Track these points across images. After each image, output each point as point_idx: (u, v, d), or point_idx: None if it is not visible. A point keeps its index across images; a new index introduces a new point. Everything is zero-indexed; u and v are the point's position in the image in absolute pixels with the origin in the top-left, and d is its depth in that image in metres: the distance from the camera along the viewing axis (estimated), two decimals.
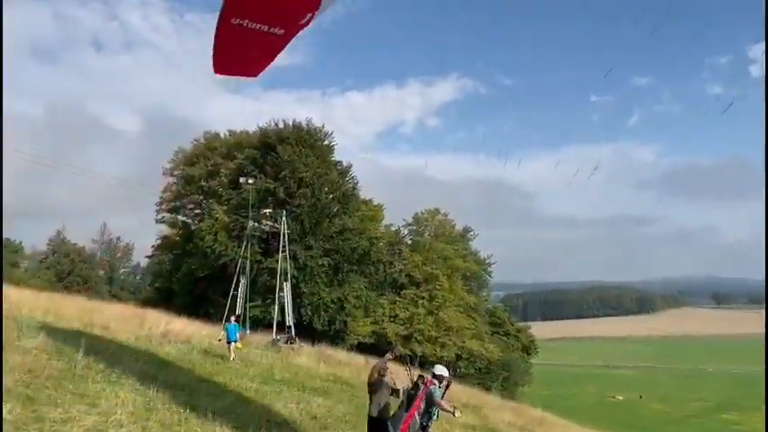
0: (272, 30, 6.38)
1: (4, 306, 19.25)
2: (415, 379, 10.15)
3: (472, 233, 76.44)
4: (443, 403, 9.81)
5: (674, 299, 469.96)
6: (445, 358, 62.31)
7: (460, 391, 35.47)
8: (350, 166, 57.40)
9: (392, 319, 60.85)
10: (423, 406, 9.78)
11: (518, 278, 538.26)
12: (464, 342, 63.98)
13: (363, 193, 59.99)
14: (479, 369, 66.09)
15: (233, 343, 23.88)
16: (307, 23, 6.48)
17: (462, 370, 64.83)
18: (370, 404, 11.03)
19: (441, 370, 10.14)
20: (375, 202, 62.25)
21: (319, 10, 6.35)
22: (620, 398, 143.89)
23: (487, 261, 77.59)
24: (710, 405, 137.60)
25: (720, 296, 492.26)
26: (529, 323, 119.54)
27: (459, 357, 64.46)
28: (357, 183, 57.60)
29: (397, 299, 62.63)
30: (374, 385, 10.97)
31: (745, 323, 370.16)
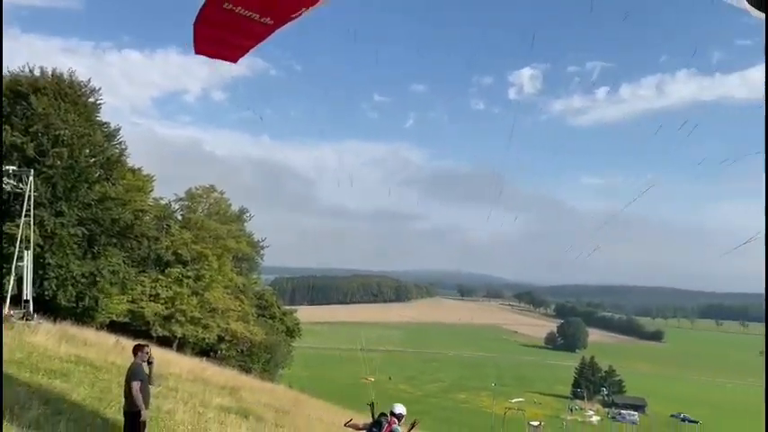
0: (262, 19, 6.56)
1: None
2: (377, 416, 10.36)
3: (248, 214, 75.43)
4: None
5: (427, 289, 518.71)
6: (207, 340, 60.70)
7: (219, 374, 34.85)
8: (118, 129, 52.51)
9: (152, 298, 57.28)
10: None
11: (290, 263, 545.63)
12: (228, 324, 62.88)
13: (132, 161, 55.39)
14: (242, 351, 65.60)
15: None
16: (297, 17, 6.64)
17: (224, 352, 63.75)
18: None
19: (400, 408, 10.48)
20: (144, 172, 57.85)
21: (315, 6, 6.48)
22: (372, 379, 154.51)
23: (261, 244, 77.22)
24: (446, 385, 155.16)
25: (464, 289, 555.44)
26: (296, 307, 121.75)
27: (221, 339, 63.23)
28: (125, 148, 52.95)
29: (161, 277, 59.10)
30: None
31: (482, 313, 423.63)
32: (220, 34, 6.81)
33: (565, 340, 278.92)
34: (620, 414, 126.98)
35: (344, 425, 11.36)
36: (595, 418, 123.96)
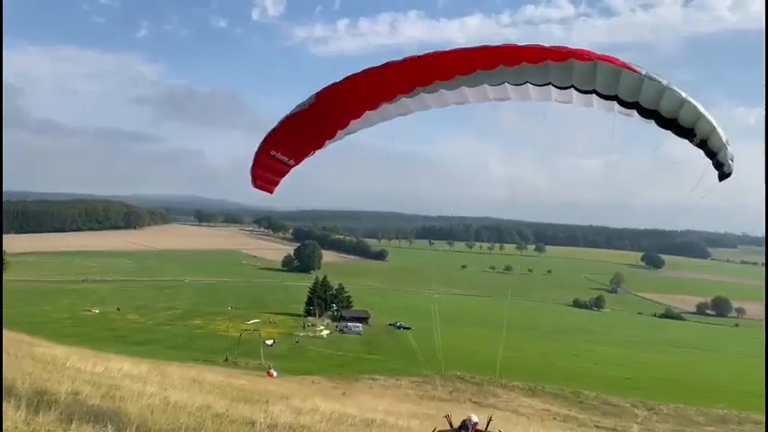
0: (289, 161, 10.09)
1: None
2: (457, 425, 11.69)
3: None
4: None
5: (162, 215, 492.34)
6: None
7: None
8: None
9: None
10: None
11: None
12: None
13: None
14: None
15: None
16: (307, 158, 10.14)
17: None
18: None
19: (476, 418, 11.87)
20: None
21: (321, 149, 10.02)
22: (97, 311, 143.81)
23: None
24: (180, 312, 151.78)
25: (203, 214, 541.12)
26: None
27: None
28: None
29: None
30: None
31: (221, 239, 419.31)
32: (265, 174, 10.29)
33: (301, 262, 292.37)
34: (346, 327, 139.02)
35: None
36: (325, 332, 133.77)
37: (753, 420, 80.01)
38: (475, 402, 76.29)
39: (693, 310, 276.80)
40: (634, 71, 8.51)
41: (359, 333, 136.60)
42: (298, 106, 9.57)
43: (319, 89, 9.47)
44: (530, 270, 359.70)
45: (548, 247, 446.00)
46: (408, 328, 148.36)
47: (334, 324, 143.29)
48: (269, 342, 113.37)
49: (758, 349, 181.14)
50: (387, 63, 9.06)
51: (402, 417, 27.73)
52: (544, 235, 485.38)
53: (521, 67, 8.63)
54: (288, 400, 27.05)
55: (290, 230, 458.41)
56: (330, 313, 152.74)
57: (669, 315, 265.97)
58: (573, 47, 8.60)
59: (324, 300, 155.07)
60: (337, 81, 9.25)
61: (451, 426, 11.81)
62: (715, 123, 9.00)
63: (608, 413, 79.34)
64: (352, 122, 9.64)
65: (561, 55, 8.51)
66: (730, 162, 9.28)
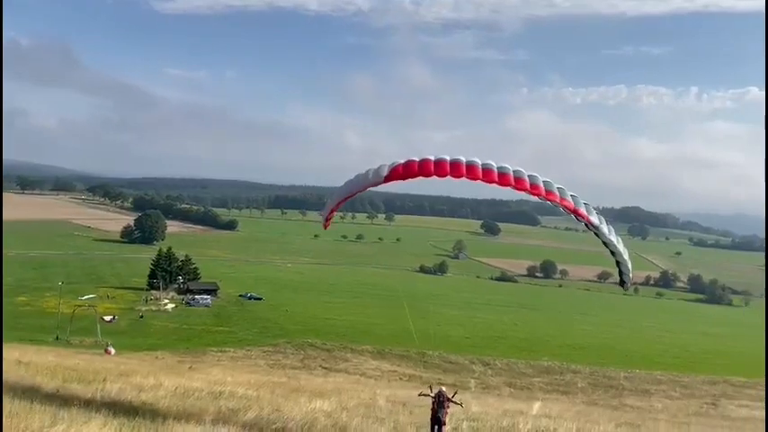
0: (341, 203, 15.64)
1: None
2: (433, 394, 14.39)
3: None
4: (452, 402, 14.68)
5: None
6: None
7: None
8: None
9: None
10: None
11: None
12: None
13: None
14: None
15: None
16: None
17: None
18: None
19: (445, 389, 14.60)
20: None
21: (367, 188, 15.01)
22: None
23: None
24: (5, 289, 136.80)
25: (26, 181, 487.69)
26: None
27: None
28: None
29: None
30: None
31: (48, 208, 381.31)
32: (329, 215, 16.42)
33: (142, 233, 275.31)
34: (194, 299, 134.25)
35: (419, 395, 15.26)
36: (170, 306, 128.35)
37: (572, 370, 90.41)
38: (325, 368, 77.95)
39: (524, 272, 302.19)
40: (591, 222, 14.61)
41: (207, 305, 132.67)
42: (373, 177, 14.11)
43: (390, 166, 14.05)
44: (380, 238, 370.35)
45: (397, 216, 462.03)
46: (259, 299, 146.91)
47: (181, 297, 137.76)
48: (107, 318, 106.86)
49: (580, 307, 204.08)
50: (442, 159, 13.79)
51: (252, 387, 27.60)
52: (394, 204, 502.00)
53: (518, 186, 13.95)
54: (128, 377, 25.75)
55: (130, 199, 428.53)
56: (176, 286, 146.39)
57: (504, 278, 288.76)
58: (558, 187, 14.50)
59: (169, 272, 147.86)
60: (409, 161, 13.97)
61: (431, 391, 14.48)
62: (627, 257, 15.44)
63: (449, 370, 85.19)
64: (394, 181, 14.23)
65: (550, 195, 14.16)
66: (630, 284, 16.45)
